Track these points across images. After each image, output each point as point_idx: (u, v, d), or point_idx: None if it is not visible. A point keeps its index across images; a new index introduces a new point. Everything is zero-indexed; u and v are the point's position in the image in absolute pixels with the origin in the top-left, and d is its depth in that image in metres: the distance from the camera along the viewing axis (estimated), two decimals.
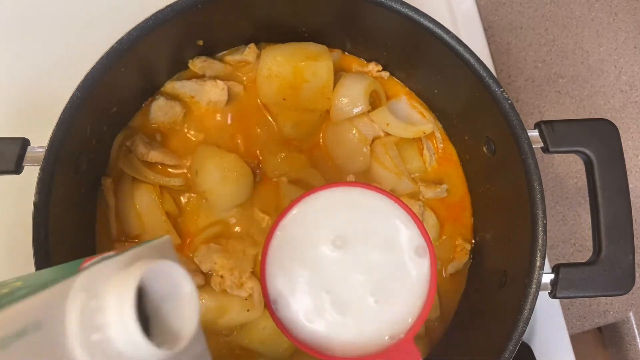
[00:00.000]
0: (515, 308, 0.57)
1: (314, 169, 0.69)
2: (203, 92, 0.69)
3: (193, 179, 0.68)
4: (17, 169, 0.56)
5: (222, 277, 0.66)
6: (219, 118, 0.70)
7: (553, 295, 0.59)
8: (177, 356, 0.37)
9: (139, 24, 0.59)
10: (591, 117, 0.93)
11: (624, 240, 0.59)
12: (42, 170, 0.55)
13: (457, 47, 0.61)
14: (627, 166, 0.61)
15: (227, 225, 0.69)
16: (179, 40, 0.66)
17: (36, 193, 0.54)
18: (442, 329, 0.70)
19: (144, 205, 0.66)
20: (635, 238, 0.60)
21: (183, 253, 0.67)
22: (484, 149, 0.66)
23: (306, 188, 0.69)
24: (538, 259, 0.57)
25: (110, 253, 0.40)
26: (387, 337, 0.49)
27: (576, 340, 0.82)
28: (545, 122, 0.61)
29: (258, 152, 0.70)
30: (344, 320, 0.49)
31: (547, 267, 0.59)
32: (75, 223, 0.65)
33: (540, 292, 0.57)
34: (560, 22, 0.95)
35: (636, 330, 0.94)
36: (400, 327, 0.49)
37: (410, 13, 0.61)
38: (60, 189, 0.56)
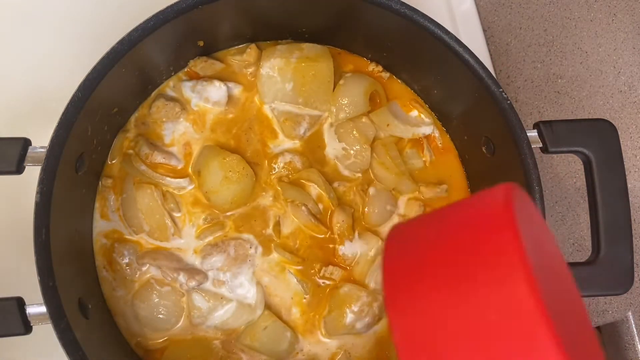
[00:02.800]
0: None
1: (315, 169, 0.70)
2: (203, 92, 0.69)
3: (195, 179, 0.68)
4: (19, 169, 0.56)
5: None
6: (219, 118, 0.71)
7: None
8: None
9: (139, 25, 0.59)
10: (590, 117, 0.93)
11: (622, 240, 0.59)
12: (43, 170, 0.55)
13: (457, 47, 0.61)
14: (625, 166, 0.61)
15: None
16: (179, 41, 0.66)
17: (37, 193, 0.54)
18: None
19: (146, 204, 0.66)
20: (634, 238, 0.60)
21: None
22: (484, 149, 0.66)
23: (306, 188, 0.69)
24: None
25: None
26: None
27: None
28: (544, 123, 0.61)
29: (259, 152, 0.70)
30: None
31: None
32: (76, 223, 0.65)
33: None
34: (559, 23, 0.95)
35: (635, 330, 0.94)
36: None
37: (410, 13, 0.61)
38: (61, 189, 0.56)
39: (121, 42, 0.58)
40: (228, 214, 0.68)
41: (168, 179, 0.68)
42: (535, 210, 0.41)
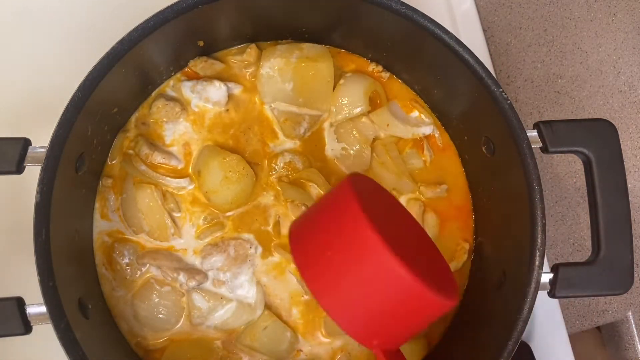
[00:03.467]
0: (514, 307, 0.57)
1: (314, 169, 0.70)
2: (203, 92, 0.69)
3: (196, 179, 0.68)
4: (19, 169, 0.56)
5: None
6: (219, 119, 0.71)
7: (552, 294, 0.59)
8: None
9: (139, 25, 0.59)
10: (590, 117, 0.93)
11: (622, 240, 0.59)
12: (43, 170, 0.55)
13: (457, 47, 0.61)
14: (625, 166, 0.61)
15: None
16: (179, 41, 0.66)
17: (37, 193, 0.54)
18: (441, 328, 0.70)
19: (146, 204, 0.66)
20: (634, 238, 0.60)
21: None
22: (484, 149, 0.66)
23: (306, 188, 0.69)
24: (537, 258, 0.57)
25: None
26: None
27: (575, 339, 0.82)
28: (544, 122, 0.61)
29: (259, 152, 0.70)
30: None
31: (546, 266, 0.59)
32: (76, 223, 0.65)
33: (539, 292, 0.57)
34: (559, 23, 0.95)
35: (635, 330, 0.94)
36: None
37: (410, 13, 0.61)
38: (61, 189, 0.56)
39: (121, 42, 0.58)
40: (228, 214, 0.68)
41: (168, 179, 0.68)
42: (378, 185, 0.58)
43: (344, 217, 0.49)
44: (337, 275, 0.49)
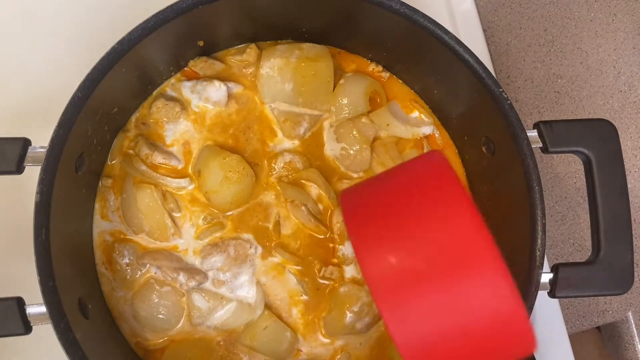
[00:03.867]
0: None
1: (314, 169, 0.70)
2: (203, 92, 0.69)
3: (196, 179, 0.68)
4: (18, 169, 0.56)
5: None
6: (219, 118, 0.71)
7: (552, 294, 0.59)
8: None
9: (139, 25, 0.59)
10: (590, 117, 0.93)
11: (622, 240, 0.59)
12: (43, 170, 0.55)
13: (456, 47, 0.61)
14: (625, 166, 0.61)
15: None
16: (179, 41, 0.66)
17: (37, 193, 0.54)
18: None
19: (146, 204, 0.66)
20: (634, 238, 0.60)
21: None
22: (484, 149, 0.66)
23: (306, 188, 0.69)
24: (537, 258, 0.57)
25: None
26: None
27: (575, 339, 0.82)
28: (544, 122, 0.61)
29: (258, 152, 0.70)
30: None
31: (546, 266, 0.60)
32: (76, 223, 0.65)
33: (539, 292, 0.57)
34: (560, 23, 0.95)
35: (635, 330, 0.94)
36: None
37: (410, 13, 0.61)
38: (61, 189, 0.56)
39: (121, 42, 0.58)
40: (228, 214, 0.68)
41: (168, 179, 0.68)
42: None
43: (445, 211, 0.41)
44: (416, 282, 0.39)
